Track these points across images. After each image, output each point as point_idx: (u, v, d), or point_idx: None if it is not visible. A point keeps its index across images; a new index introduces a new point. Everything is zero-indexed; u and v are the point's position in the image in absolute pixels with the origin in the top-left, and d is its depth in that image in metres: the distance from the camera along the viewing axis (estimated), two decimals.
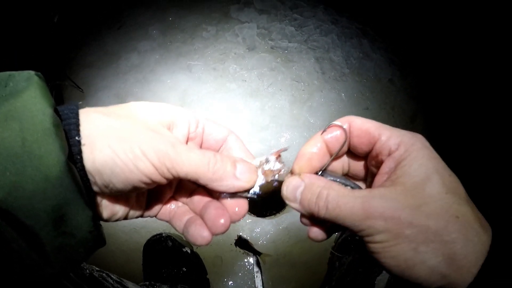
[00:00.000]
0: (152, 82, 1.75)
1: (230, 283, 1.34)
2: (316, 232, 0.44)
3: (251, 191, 0.45)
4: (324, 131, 0.44)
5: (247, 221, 1.42)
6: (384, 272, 1.00)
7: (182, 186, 0.50)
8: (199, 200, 0.48)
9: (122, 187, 0.38)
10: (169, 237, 1.29)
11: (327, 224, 0.44)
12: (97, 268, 0.95)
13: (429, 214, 0.35)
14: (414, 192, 0.36)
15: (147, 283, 1.15)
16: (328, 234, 0.45)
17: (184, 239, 1.36)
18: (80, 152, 0.36)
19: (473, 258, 0.35)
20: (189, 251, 1.30)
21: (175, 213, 0.49)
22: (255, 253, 1.35)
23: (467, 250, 0.35)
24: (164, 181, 0.40)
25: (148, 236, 1.32)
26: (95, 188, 0.39)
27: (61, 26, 1.87)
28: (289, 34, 1.86)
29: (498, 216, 0.39)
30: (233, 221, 0.45)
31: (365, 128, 0.42)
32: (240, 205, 0.45)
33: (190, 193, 0.49)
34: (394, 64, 1.78)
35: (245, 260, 1.37)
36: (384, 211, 0.36)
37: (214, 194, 0.48)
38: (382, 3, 1.91)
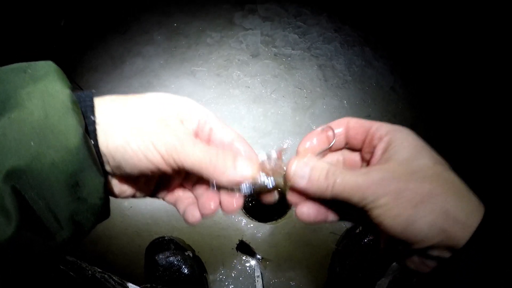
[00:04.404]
0: (156, 87, 1.77)
1: (231, 287, 1.35)
2: (303, 213, 0.47)
3: (245, 188, 0.47)
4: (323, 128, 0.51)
5: (249, 226, 1.43)
6: (384, 277, 1.01)
7: (190, 175, 0.54)
8: (201, 188, 0.52)
9: (131, 171, 0.42)
10: (171, 240, 1.29)
11: (321, 203, 0.47)
12: (99, 270, 0.96)
13: (422, 179, 0.40)
14: (406, 164, 0.41)
15: (149, 285, 1.15)
16: (316, 217, 0.47)
17: (186, 242, 1.37)
18: (94, 130, 0.40)
19: (467, 212, 0.39)
20: (191, 254, 1.30)
21: (179, 197, 0.53)
22: (257, 257, 1.36)
23: (459, 207, 0.39)
24: (169, 170, 0.43)
25: (150, 239, 1.32)
26: (107, 168, 0.43)
27: (67, 29, 1.89)
28: (292, 42, 1.88)
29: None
30: (225, 211, 0.48)
31: (360, 122, 0.48)
32: (235, 200, 0.48)
33: (196, 181, 0.53)
34: (396, 72, 1.80)
35: (246, 264, 1.38)
36: (383, 179, 0.40)
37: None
38: (385, 12, 1.93)
